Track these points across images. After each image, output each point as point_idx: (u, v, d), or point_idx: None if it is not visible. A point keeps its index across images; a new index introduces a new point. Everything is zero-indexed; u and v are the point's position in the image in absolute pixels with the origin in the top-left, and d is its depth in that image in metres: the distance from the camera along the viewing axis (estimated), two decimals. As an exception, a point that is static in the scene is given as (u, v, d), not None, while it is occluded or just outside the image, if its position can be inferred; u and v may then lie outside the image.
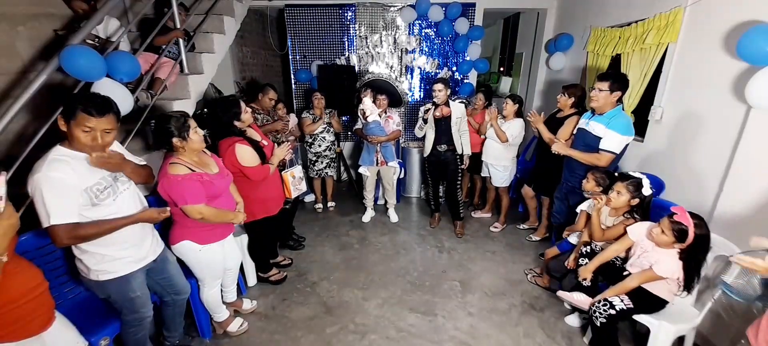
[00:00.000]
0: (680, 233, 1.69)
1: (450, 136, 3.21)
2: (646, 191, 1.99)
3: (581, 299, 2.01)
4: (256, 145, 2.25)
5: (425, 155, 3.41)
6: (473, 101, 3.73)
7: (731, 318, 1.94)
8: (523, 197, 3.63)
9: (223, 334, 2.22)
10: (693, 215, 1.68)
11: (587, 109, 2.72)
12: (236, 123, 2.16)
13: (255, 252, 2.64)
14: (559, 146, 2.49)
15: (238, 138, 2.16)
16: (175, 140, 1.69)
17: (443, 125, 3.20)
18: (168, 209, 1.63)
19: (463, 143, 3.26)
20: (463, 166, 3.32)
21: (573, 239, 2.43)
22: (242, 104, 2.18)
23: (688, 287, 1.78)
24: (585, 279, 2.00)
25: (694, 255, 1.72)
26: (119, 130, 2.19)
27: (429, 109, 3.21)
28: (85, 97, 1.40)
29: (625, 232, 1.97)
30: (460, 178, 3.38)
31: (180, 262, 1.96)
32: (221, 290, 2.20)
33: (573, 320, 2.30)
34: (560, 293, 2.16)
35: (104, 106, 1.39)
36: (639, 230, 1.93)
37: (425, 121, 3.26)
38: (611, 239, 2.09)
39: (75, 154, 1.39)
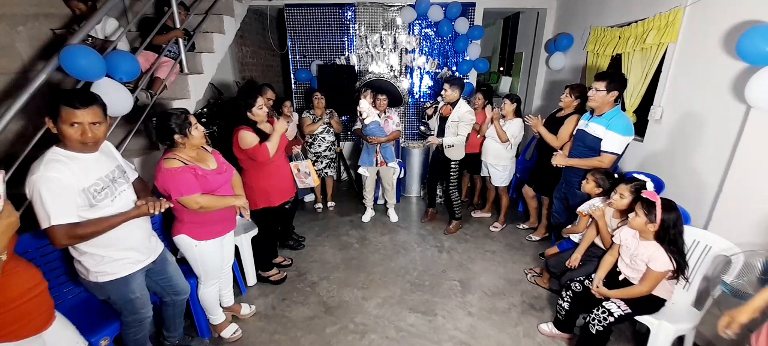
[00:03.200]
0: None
1: (444, 135, 3.20)
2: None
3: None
4: (263, 135, 2.29)
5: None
6: (472, 101, 3.73)
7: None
8: (523, 197, 3.63)
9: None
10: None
11: (586, 109, 2.73)
12: (249, 114, 2.23)
13: (258, 246, 2.65)
14: (559, 159, 2.51)
15: (244, 126, 2.22)
16: (176, 137, 1.71)
17: (444, 124, 3.19)
18: (164, 200, 1.61)
19: (446, 141, 3.14)
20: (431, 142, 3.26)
21: (575, 237, 2.43)
22: (259, 100, 2.26)
23: (681, 271, 1.77)
24: (597, 290, 1.97)
25: (668, 233, 1.75)
26: (113, 127, 2.22)
27: (428, 105, 3.31)
28: (66, 92, 1.38)
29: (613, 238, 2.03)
30: (453, 178, 3.34)
31: (179, 262, 1.96)
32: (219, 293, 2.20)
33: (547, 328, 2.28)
34: (541, 329, 2.27)
35: (87, 97, 1.36)
36: (619, 233, 1.98)
37: (429, 116, 3.33)
38: None
39: (71, 155, 1.38)
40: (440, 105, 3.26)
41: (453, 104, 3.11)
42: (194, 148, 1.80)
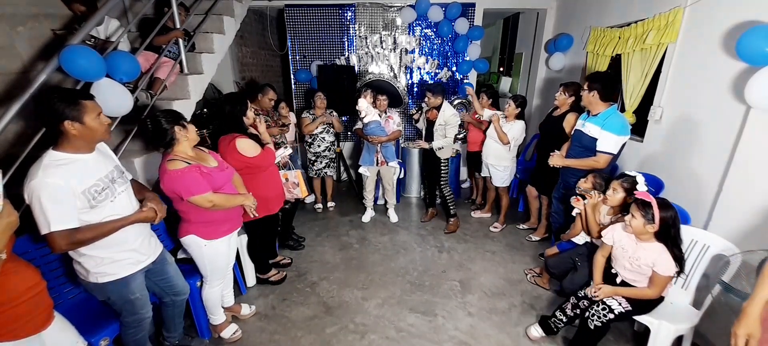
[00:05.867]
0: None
1: (432, 138, 3.32)
2: (641, 188, 2.00)
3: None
4: (256, 138, 2.27)
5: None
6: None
7: (730, 317, 1.93)
8: (523, 197, 3.64)
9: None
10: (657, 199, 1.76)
11: (582, 105, 2.77)
12: (244, 118, 2.20)
13: (254, 252, 2.64)
14: (556, 159, 2.52)
15: (238, 133, 2.18)
16: (176, 129, 1.71)
17: (431, 127, 3.33)
18: (164, 207, 1.63)
19: (435, 144, 3.28)
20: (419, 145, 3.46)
21: (579, 239, 2.43)
22: (248, 102, 2.23)
23: (681, 268, 1.77)
24: (599, 291, 1.94)
25: (669, 232, 1.74)
26: (113, 127, 2.22)
27: (414, 112, 3.56)
28: (70, 93, 1.39)
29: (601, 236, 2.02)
30: (444, 175, 3.43)
31: (179, 262, 1.96)
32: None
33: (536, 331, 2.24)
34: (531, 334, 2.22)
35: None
36: (611, 233, 1.96)
37: (415, 121, 3.56)
38: None
39: (72, 157, 1.38)
40: (425, 110, 3.42)
41: (437, 108, 3.24)
42: (191, 143, 1.79)
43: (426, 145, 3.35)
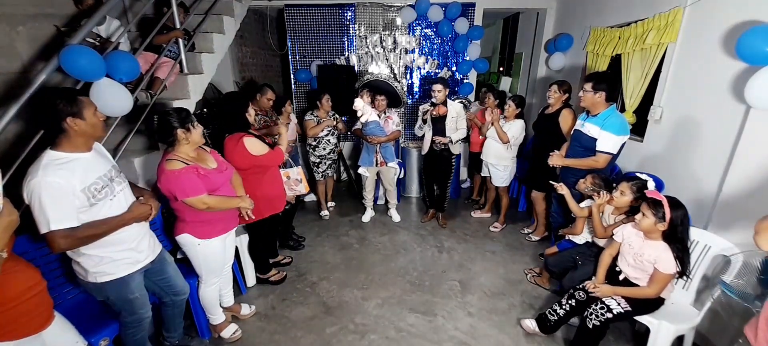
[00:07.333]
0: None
1: (444, 135, 3.28)
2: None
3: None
4: (261, 138, 2.27)
5: (423, 153, 3.54)
6: (472, 103, 3.74)
7: (730, 317, 1.94)
8: (523, 197, 3.62)
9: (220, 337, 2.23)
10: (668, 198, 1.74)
11: (570, 104, 2.84)
12: (247, 115, 2.20)
13: (256, 252, 2.64)
14: (556, 159, 2.52)
15: (244, 132, 2.18)
16: (179, 132, 1.71)
17: (439, 124, 3.27)
18: (158, 204, 1.65)
19: (454, 136, 3.27)
20: (442, 143, 3.31)
21: (575, 237, 2.43)
22: (248, 101, 2.23)
23: (684, 271, 1.76)
24: (597, 289, 1.93)
25: (676, 231, 1.73)
26: (113, 127, 2.22)
27: (427, 110, 3.34)
28: (68, 91, 1.41)
29: (613, 235, 2.01)
30: (451, 177, 3.44)
31: (178, 262, 1.96)
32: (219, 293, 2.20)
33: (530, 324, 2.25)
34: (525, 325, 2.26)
35: None
36: (621, 231, 1.96)
37: (424, 121, 3.41)
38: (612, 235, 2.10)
39: (70, 156, 1.38)
40: (432, 108, 3.30)
41: (444, 103, 3.23)
42: (193, 145, 1.80)
43: (446, 140, 3.26)
